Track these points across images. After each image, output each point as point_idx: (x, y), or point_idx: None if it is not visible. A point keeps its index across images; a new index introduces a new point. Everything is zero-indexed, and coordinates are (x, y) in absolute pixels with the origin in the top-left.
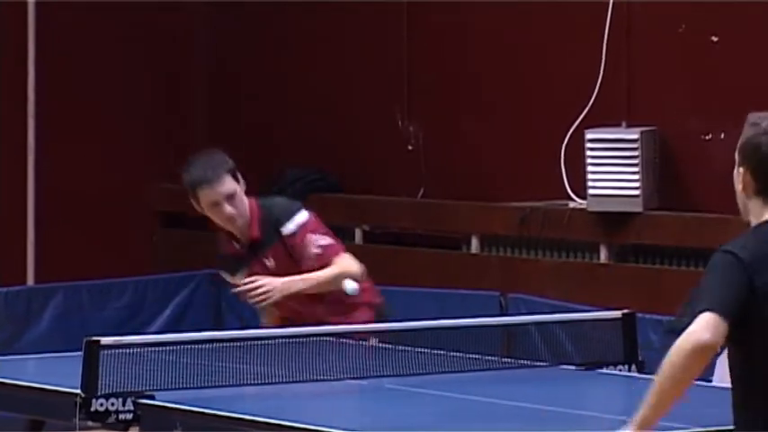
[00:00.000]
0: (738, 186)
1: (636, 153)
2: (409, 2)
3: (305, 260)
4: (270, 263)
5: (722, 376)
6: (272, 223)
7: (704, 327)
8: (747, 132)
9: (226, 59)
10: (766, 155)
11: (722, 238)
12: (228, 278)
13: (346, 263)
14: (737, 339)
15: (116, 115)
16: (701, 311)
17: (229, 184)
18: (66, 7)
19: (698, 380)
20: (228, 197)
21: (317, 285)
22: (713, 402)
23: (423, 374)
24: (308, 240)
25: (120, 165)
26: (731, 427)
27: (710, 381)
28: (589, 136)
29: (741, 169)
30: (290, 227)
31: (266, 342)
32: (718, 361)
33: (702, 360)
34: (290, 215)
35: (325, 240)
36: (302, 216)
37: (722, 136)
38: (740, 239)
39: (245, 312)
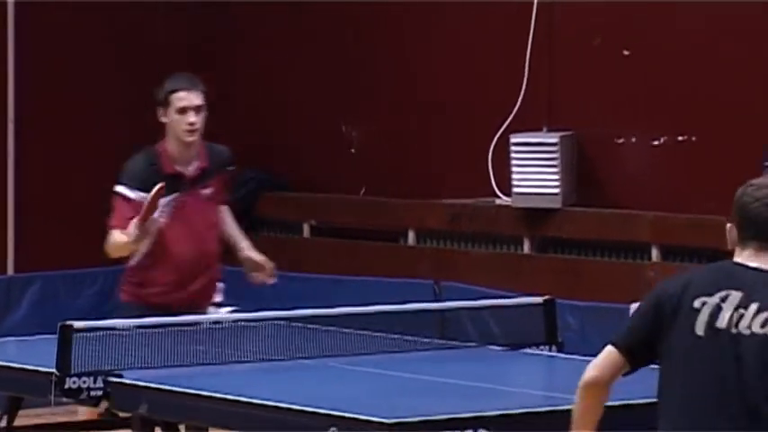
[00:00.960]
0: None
1: (555, 155)
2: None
3: (224, 198)
4: (207, 192)
5: None
6: (218, 158)
7: (595, 363)
8: (737, 192)
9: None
10: (745, 212)
11: (633, 231)
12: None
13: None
14: (657, 359)
15: (93, 113)
16: (607, 343)
17: (201, 100)
18: (48, 8)
19: None
20: (198, 108)
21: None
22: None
23: (364, 354)
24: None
25: (96, 160)
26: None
27: None
28: (513, 140)
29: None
30: (233, 168)
31: (221, 326)
32: None
33: (589, 394)
34: (232, 158)
35: None
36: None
37: (633, 140)
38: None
39: None
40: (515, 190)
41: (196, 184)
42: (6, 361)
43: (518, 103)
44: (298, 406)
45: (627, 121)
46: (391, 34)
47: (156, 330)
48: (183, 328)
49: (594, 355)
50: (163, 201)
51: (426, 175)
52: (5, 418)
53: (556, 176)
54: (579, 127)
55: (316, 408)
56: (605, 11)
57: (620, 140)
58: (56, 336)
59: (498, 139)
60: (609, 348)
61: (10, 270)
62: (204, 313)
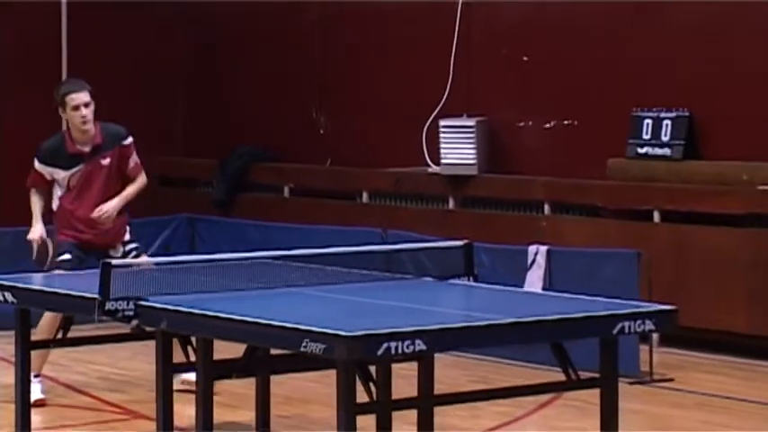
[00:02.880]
0: None
1: (473, 135)
2: (321, 25)
3: (129, 165)
4: (106, 161)
5: (531, 283)
6: (112, 136)
7: None
8: None
9: (196, 69)
10: None
11: (530, 192)
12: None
13: (144, 179)
14: None
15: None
16: None
17: (88, 97)
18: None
19: (510, 284)
20: (86, 104)
21: (128, 200)
22: (523, 301)
23: (330, 284)
24: (133, 153)
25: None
26: (536, 317)
27: (522, 287)
28: (442, 123)
29: None
30: (129, 140)
31: (225, 263)
32: (528, 273)
33: None
34: (126, 134)
35: (138, 159)
36: (131, 138)
37: (530, 124)
38: None
39: (212, 245)
40: (443, 161)
41: (94, 157)
42: (62, 288)
43: (444, 97)
44: (279, 322)
45: (526, 109)
46: (349, 45)
47: (174, 266)
48: (194, 264)
49: (501, 284)
50: (71, 171)
51: (376, 150)
52: (61, 331)
53: (473, 151)
54: (490, 114)
55: (293, 324)
56: (510, 29)
57: (521, 124)
58: (98, 271)
59: (430, 123)
60: None
61: None
62: (116, 249)
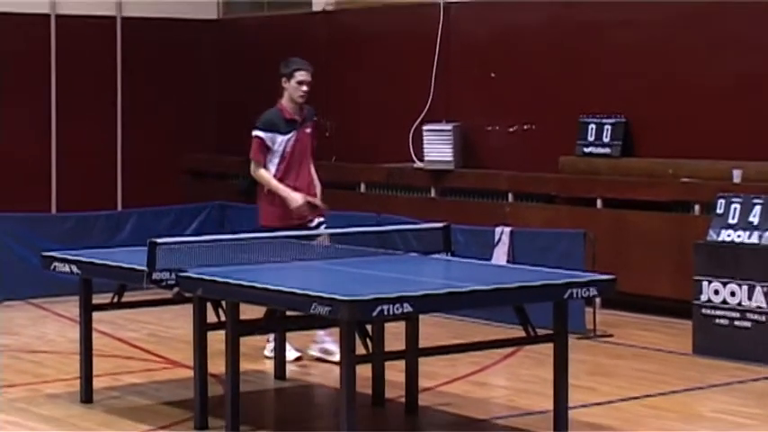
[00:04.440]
0: None
1: (450, 137)
2: (329, 44)
3: (314, 140)
4: (309, 130)
5: (498, 258)
6: (309, 112)
7: None
8: None
9: (229, 77)
10: None
11: (496, 183)
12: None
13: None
14: None
15: (152, 106)
16: None
17: (310, 77)
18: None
19: (480, 258)
20: (309, 83)
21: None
22: (491, 273)
23: (334, 259)
24: (317, 131)
25: (165, 135)
26: (502, 285)
27: (489, 260)
28: (425, 127)
29: None
30: (316, 118)
31: (249, 242)
32: (495, 249)
33: None
34: (315, 113)
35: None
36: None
37: (497, 128)
38: None
39: (239, 227)
40: (426, 158)
41: (302, 126)
42: (117, 262)
43: (427, 106)
44: (292, 289)
45: (493, 117)
46: (351, 63)
47: (209, 245)
48: (225, 243)
49: (473, 258)
50: (287, 137)
51: (373, 148)
52: (117, 296)
53: (450, 150)
54: (464, 120)
55: (304, 290)
56: (481, 51)
57: (489, 128)
58: (146, 248)
59: (416, 127)
60: None
61: (119, 206)
62: (312, 220)
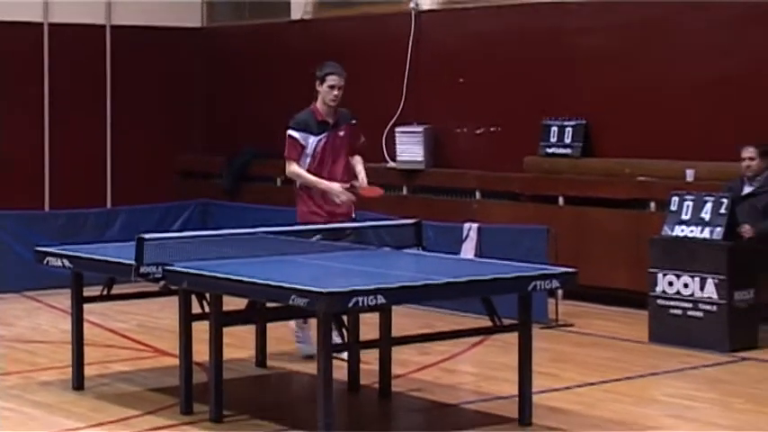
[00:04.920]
0: None
1: (421, 138)
2: (310, 53)
3: (358, 141)
4: (342, 133)
5: (466, 252)
6: (343, 115)
7: None
8: None
9: (215, 84)
10: None
11: (465, 182)
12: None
13: (364, 154)
14: None
15: (143, 111)
16: None
17: (343, 82)
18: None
19: (449, 253)
20: (340, 87)
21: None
22: (460, 266)
23: (311, 253)
24: (358, 132)
25: (152, 137)
26: (470, 278)
27: (458, 254)
28: (398, 129)
29: None
30: (354, 121)
31: (232, 237)
32: (463, 244)
33: None
34: (352, 117)
35: (364, 137)
36: (355, 120)
37: (465, 130)
38: None
39: (222, 224)
40: (399, 158)
41: (334, 129)
42: (107, 256)
43: (400, 109)
44: (272, 282)
45: (461, 119)
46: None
47: (191, 240)
48: (208, 238)
49: (443, 252)
50: (319, 137)
51: None
52: (106, 289)
53: (421, 151)
54: (434, 122)
55: (283, 283)
56: (449, 58)
57: (458, 130)
58: (134, 243)
59: (389, 129)
60: None
61: (108, 204)
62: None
